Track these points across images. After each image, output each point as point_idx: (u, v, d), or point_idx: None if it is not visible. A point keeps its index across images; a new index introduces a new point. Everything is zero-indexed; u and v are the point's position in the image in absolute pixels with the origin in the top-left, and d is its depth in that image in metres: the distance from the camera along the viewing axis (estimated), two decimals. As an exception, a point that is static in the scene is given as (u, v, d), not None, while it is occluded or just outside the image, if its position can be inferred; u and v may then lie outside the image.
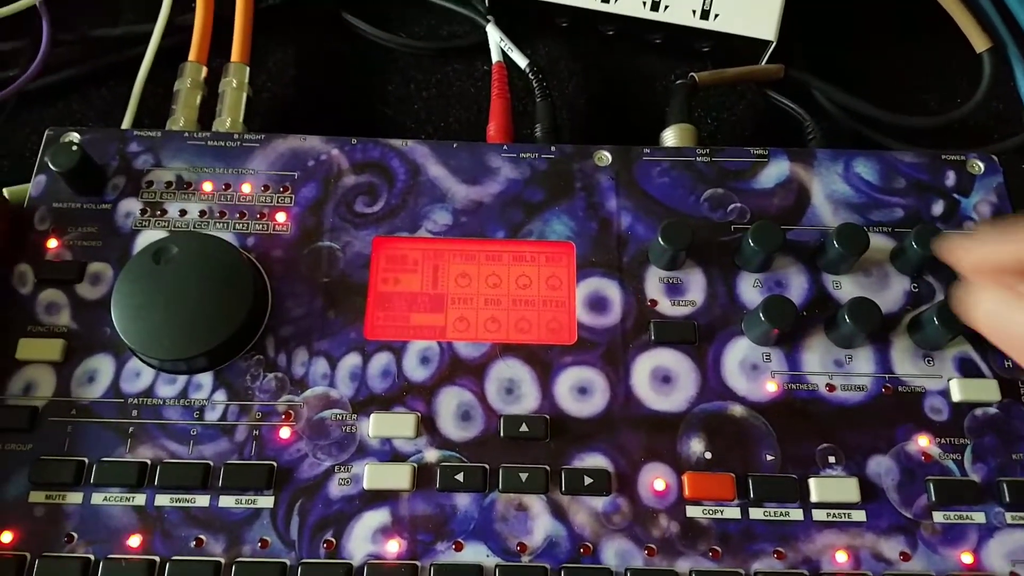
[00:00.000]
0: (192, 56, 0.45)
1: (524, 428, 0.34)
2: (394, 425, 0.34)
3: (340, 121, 0.49)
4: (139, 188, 0.39)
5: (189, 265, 0.35)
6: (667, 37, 0.49)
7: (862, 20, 0.52)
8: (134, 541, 0.32)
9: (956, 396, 0.35)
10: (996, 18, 0.50)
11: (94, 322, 0.36)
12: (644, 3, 0.47)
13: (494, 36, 0.47)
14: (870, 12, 0.53)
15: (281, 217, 0.38)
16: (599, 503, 0.33)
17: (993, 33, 0.49)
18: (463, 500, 0.33)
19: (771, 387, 0.35)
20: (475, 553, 0.33)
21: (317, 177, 0.39)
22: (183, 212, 0.38)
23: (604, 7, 0.47)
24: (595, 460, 0.34)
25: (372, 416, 0.35)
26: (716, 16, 0.46)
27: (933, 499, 0.33)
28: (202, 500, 0.33)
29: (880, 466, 0.34)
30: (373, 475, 0.34)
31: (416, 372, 0.36)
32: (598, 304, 0.37)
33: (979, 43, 0.48)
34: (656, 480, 0.34)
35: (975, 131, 0.49)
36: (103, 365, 0.35)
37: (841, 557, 0.33)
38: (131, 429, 0.34)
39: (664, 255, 0.37)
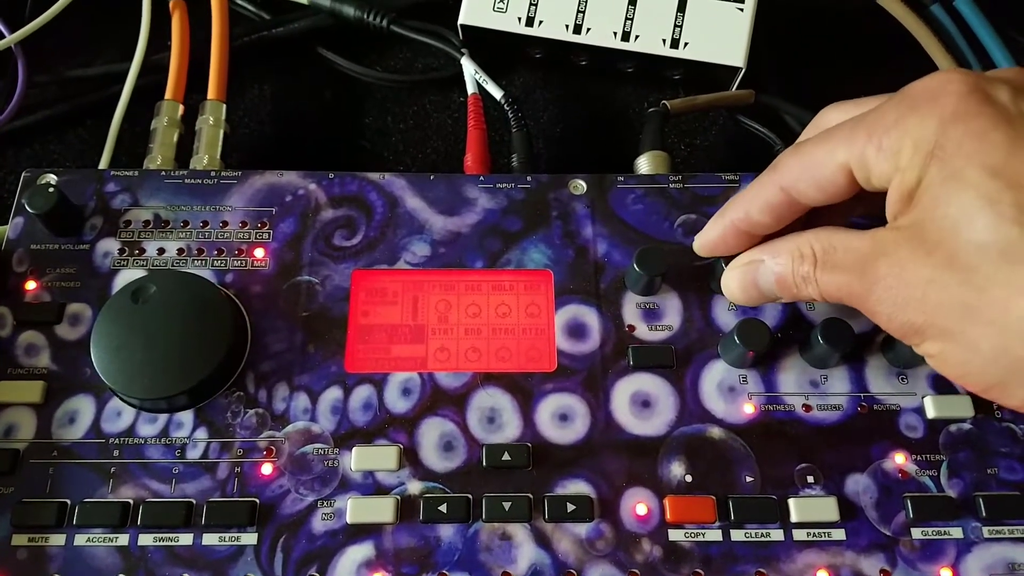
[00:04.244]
0: (168, 94, 0.45)
1: (507, 457, 0.35)
2: (376, 458, 0.35)
3: (318, 155, 0.49)
4: (117, 228, 0.39)
5: (168, 303, 0.35)
6: (639, 66, 0.49)
7: (830, 45, 0.53)
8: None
9: (930, 413, 0.36)
10: (962, 43, 0.51)
11: (74, 363, 0.36)
12: (615, 34, 0.47)
13: (469, 69, 0.48)
14: (838, 37, 0.54)
15: (260, 253, 0.39)
16: (582, 529, 0.34)
17: (960, 58, 0.50)
18: (447, 531, 0.34)
19: (748, 409, 0.36)
20: (460, 584, 0.33)
21: (295, 212, 0.40)
22: (161, 250, 0.39)
23: (576, 39, 0.48)
24: (577, 487, 0.34)
25: (354, 449, 0.35)
26: (686, 45, 0.47)
27: (911, 515, 0.34)
28: (185, 538, 0.33)
29: (858, 484, 0.35)
30: (356, 509, 0.34)
31: (398, 404, 0.36)
32: (577, 331, 0.37)
33: (946, 67, 0.49)
34: (638, 505, 0.34)
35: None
36: (83, 406, 0.35)
37: (822, 576, 0.33)
38: (113, 469, 0.34)
39: (640, 281, 0.37)
